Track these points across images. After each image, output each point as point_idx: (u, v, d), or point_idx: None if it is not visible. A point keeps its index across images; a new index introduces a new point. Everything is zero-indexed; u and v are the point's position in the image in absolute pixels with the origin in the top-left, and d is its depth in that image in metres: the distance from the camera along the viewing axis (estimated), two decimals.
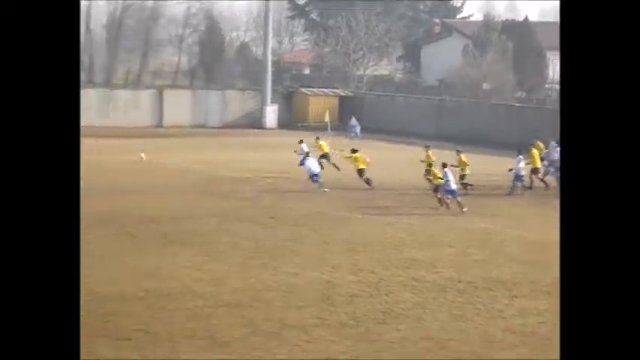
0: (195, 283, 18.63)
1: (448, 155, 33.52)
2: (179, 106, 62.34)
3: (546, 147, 35.63)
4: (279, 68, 70.21)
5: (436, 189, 29.28)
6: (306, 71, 78.18)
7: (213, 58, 70.39)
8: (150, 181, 34.35)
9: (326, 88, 66.23)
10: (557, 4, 60.74)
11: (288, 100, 65.23)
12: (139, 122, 59.61)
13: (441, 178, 28.90)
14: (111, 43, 68.86)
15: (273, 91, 64.00)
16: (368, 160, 33.96)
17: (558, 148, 32.67)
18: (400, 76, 74.96)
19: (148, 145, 48.41)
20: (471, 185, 32.50)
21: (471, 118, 54.94)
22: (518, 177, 32.70)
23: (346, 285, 18.89)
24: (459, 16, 79.96)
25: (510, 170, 32.90)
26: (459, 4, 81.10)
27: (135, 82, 67.07)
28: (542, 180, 33.66)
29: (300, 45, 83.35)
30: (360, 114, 59.46)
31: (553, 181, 33.37)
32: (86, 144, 48.39)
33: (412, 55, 74.59)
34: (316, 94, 64.71)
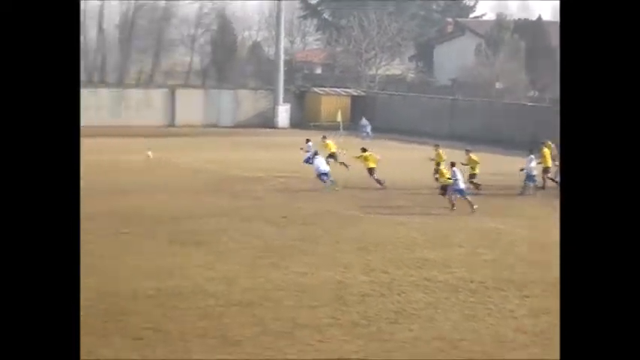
0: (206, 282, 18.65)
1: (460, 155, 33.47)
2: (191, 106, 62.43)
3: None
4: (292, 68, 70.21)
5: (444, 188, 29.21)
6: (318, 71, 78.17)
7: (226, 58, 70.48)
8: (161, 180, 34.41)
9: (338, 87, 66.21)
10: None
11: (300, 100, 65.25)
12: (152, 122, 59.73)
13: (450, 178, 28.83)
14: (123, 43, 69.04)
15: (286, 90, 64.04)
16: (378, 157, 33.95)
17: None
18: (412, 75, 74.87)
19: (161, 144, 48.52)
20: (479, 185, 32.42)
21: (483, 118, 54.82)
22: (529, 177, 32.61)
23: (358, 285, 18.88)
24: (471, 16, 79.81)
25: (522, 170, 32.82)
26: (471, 4, 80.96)
27: (147, 82, 67.20)
28: (553, 180, 33.57)
29: (312, 44, 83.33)
30: (372, 114, 59.42)
31: None
32: (98, 143, 48.68)
33: (424, 55, 74.50)
34: (328, 94, 64.71)
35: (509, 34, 63.35)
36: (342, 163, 36.07)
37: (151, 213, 26.85)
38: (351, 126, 55.92)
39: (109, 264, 20.13)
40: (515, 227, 26.11)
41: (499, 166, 38.16)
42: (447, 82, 66.89)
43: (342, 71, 70.75)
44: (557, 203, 29.98)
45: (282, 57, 64.17)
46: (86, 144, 48.63)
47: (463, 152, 33.88)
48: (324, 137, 39.12)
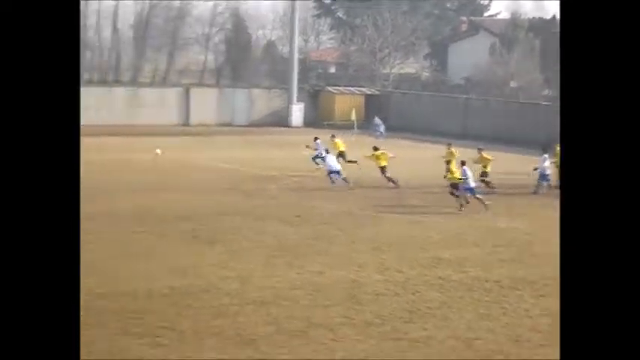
0: (221, 281, 18.68)
1: (473, 154, 33.48)
2: (206, 105, 62.53)
3: None
4: (306, 67, 70.19)
5: (454, 186, 29.16)
6: (332, 70, 78.13)
7: (240, 57, 70.50)
8: (176, 179, 34.49)
9: (352, 86, 66.18)
10: None
11: (314, 99, 65.24)
12: (166, 121, 59.86)
13: (461, 178, 28.78)
14: (138, 42, 69.16)
15: (300, 89, 64.05)
16: (391, 155, 33.95)
17: None
18: (427, 74, 74.74)
19: (175, 143, 48.61)
20: (492, 184, 32.38)
21: (497, 117, 54.69)
22: (543, 176, 32.54)
23: (372, 284, 18.87)
24: (485, 14, 79.59)
25: (535, 169, 32.73)
26: (486, 2, 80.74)
27: (162, 81, 67.32)
28: None
29: (326, 43, 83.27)
30: (386, 112, 59.38)
31: None
32: (113, 142, 48.77)
33: (438, 54, 74.35)
34: (342, 93, 64.68)
35: (523, 32, 63.16)
36: (351, 161, 35.95)
37: (165, 212, 26.90)
38: (365, 125, 55.90)
39: (122, 263, 20.17)
40: (529, 226, 26.04)
41: (513, 165, 38.07)
42: (461, 81, 66.75)
43: (356, 70, 70.69)
44: None
45: (297, 56, 64.19)
46: (100, 143, 48.95)
47: (476, 151, 33.82)
48: (333, 136, 39.14)
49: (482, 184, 31.64)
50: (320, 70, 75.30)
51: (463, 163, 29.50)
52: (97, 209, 26.89)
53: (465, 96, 60.31)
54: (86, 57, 67.48)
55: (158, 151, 39.58)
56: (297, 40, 65.68)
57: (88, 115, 57.83)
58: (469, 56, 66.73)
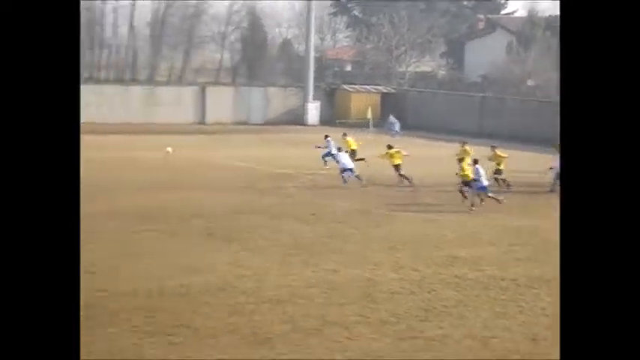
0: (236, 279, 18.69)
1: (488, 152, 33.41)
2: (222, 103, 62.63)
3: None
4: (322, 65, 70.18)
5: (465, 184, 29.13)
6: (348, 68, 78.09)
7: (256, 55, 70.56)
8: (192, 177, 34.55)
9: (368, 84, 66.13)
10: None
11: (330, 97, 65.23)
12: (182, 119, 59.99)
13: (474, 178, 28.75)
14: (154, 40, 69.33)
15: (316, 87, 64.05)
16: (405, 153, 33.93)
17: None
18: (443, 72, 74.60)
19: (191, 141, 48.71)
20: (508, 182, 32.35)
21: (514, 115, 54.52)
22: (559, 174, 32.42)
23: (387, 282, 18.83)
24: (503, 12, 79.36)
25: (550, 168, 32.62)
26: (503, 1, 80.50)
27: (178, 79, 67.45)
28: None
29: (342, 42, 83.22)
30: (402, 111, 59.30)
31: None
32: (129, 141, 48.89)
33: (455, 52, 74.19)
34: (358, 91, 64.65)
35: (540, 31, 62.94)
36: (359, 159, 35.84)
37: (180, 210, 26.95)
38: (381, 123, 55.85)
39: (139, 261, 20.21)
40: (545, 224, 25.92)
41: (529, 163, 37.93)
42: (478, 79, 66.59)
43: (372, 68, 70.64)
44: None
45: (312, 54, 64.20)
46: (116, 141, 49.09)
47: (498, 150, 33.76)
48: (345, 134, 39.13)
49: (495, 182, 31.60)
50: (336, 69, 75.28)
51: (475, 162, 29.45)
52: (112, 207, 26.97)
53: (481, 94, 60.15)
54: (103, 55, 67.75)
55: (169, 149, 39.64)
56: (314, 39, 65.69)
57: (103, 113, 58.16)
58: (486, 54, 66.56)
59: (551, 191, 32.21)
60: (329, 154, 37.08)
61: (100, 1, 68.14)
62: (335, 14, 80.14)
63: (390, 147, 34.41)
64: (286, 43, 75.82)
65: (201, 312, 16.27)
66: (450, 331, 15.53)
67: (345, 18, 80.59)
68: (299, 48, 72.60)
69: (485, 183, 28.83)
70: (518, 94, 58.01)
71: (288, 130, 56.80)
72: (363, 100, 62.11)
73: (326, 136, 38.28)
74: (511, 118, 54.25)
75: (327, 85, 66.77)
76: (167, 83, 65.75)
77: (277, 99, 64.45)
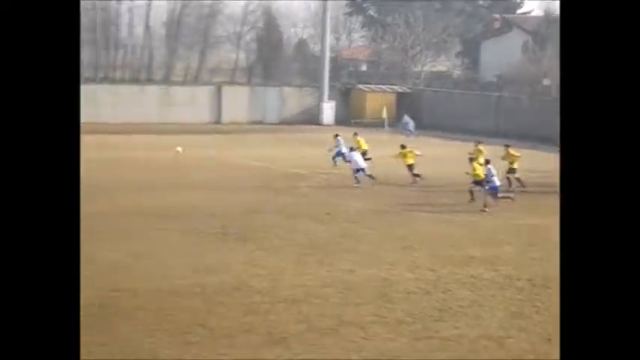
0: (252, 279, 18.70)
1: (503, 152, 33.42)
2: (237, 103, 62.72)
3: None
4: (337, 65, 70.18)
5: (477, 183, 29.14)
6: (364, 68, 78.05)
7: (271, 55, 70.62)
8: (208, 177, 34.60)
9: (383, 84, 66.06)
10: None
11: (345, 97, 65.22)
12: (198, 119, 60.10)
13: (485, 179, 28.75)
14: (170, 40, 69.49)
15: (331, 87, 64.04)
16: (418, 153, 33.93)
17: None
18: (458, 72, 74.45)
19: (207, 141, 48.78)
20: (518, 180, 32.37)
21: (530, 115, 54.34)
22: None
23: (403, 282, 18.80)
24: (518, 12, 79.13)
25: None
26: (519, 0, 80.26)
27: (193, 79, 67.58)
28: None
29: (357, 41, 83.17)
30: (418, 110, 59.21)
31: None
32: (145, 140, 48.98)
33: (471, 51, 74.02)
34: (373, 91, 64.60)
35: (556, 30, 62.65)
36: (367, 158, 35.79)
37: (196, 209, 26.99)
38: (396, 123, 55.80)
39: (154, 260, 20.25)
40: None
41: (545, 163, 37.78)
42: (493, 79, 66.42)
43: (387, 68, 70.57)
44: None
45: (328, 54, 64.20)
46: (132, 141, 49.16)
47: (511, 150, 33.70)
48: (356, 134, 39.10)
49: (508, 182, 31.67)
50: (351, 68, 75.25)
51: (487, 162, 29.44)
52: (127, 206, 27.04)
53: (496, 94, 59.99)
54: (119, 55, 67.95)
55: (179, 148, 39.70)
56: (329, 38, 65.69)
57: (118, 113, 58.33)
58: (502, 54, 66.38)
59: None
60: (339, 153, 37.05)
61: (115, 2, 68.36)
62: (350, 14, 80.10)
63: (403, 147, 34.39)
64: (302, 43, 75.85)
65: (217, 311, 16.29)
66: (465, 331, 15.50)
67: (360, 18, 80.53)
68: (314, 48, 72.60)
69: (498, 183, 28.78)
70: (534, 93, 57.82)
71: (303, 129, 56.81)
72: (378, 100, 62.07)
73: (336, 135, 38.27)
74: (527, 118, 54.07)
75: (342, 84, 66.75)
76: (183, 83, 65.89)
77: (293, 99, 64.49)
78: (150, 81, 65.87)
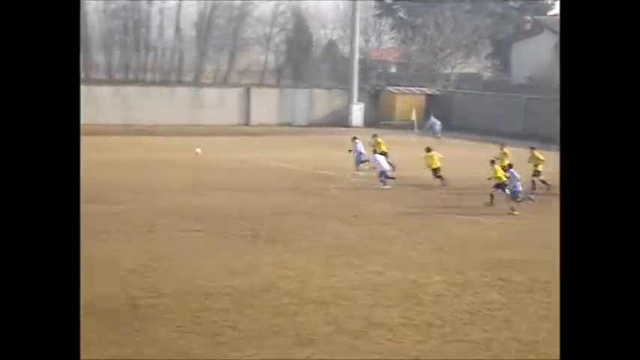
0: (280, 280, 18.73)
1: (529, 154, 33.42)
2: (266, 105, 62.88)
3: None
4: (366, 66, 70.16)
5: (498, 186, 29.12)
6: (393, 69, 77.98)
7: (301, 57, 70.74)
8: (237, 178, 34.72)
9: (413, 86, 65.96)
10: None
11: (374, 99, 65.20)
12: (227, 121, 60.31)
13: (504, 182, 28.75)
14: (200, 42, 69.79)
15: (360, 89, 64.04)
16: (441, 156, 33.92)
17: None
18: (488, 74, 74.16)
19: (235, 143, 48.95)
20: (544, 182, 32.35)
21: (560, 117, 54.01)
22: None
23: (432, 285, 18.76)
24: (549, 13, 78.70)
25: None
26: (550, 2, 79.83)
27: (222, 81, 67.82)
28: None
29: (387, 43, 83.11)
30: (448, 112, 59.08)
31: None
32: (175, 142, 49.19)
33: (501, 53, 73.72)
34: (403, 93, 64.51)
35: None
36: (390, 164, 35.76)
37: (225, 211, 27.08)
38: (426, 125, 55.68)
39: (184, 261, 20.34)
40: None
41: None
42: (524, 81, 66.11)
43: (416, 70, 70.46)
44: None
45: (357, 56, 64.21)
46: (161, 143, 49.39)
47: (536, 152, 33.58)
48: (375, 135, 38.99)
49: (532, 184, 31.71)
50: (380, 70, 75.21)
51: (510, 166, 29.49)
52: (157, 207, 27.17)
53: (526, 96, 59.70)
54: (149, 57, 68.34)
55: (198, 150, 39.81)
56: (358, 40, 65.70)
57: (148, 115, 58.64)
58: (532, 56, 66.06)
59: None
60: (359, 156, 36.97)
61: (146, 4, 68.75)
62: (380, 16, 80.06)
63: (428, 150, 34.33)
64: (331, 45, 75.91)
65: (246, 313, 16.33)
66: (495, 335, 15.44)
67: (389, 20, 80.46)
68: (344, 49, 72.64)
69: (520, 187, 28.76)
70: None
71: (332, 131, 56.83)
72: (407, 102, 61.99)
73: (354, 138, 38.19)
74: (557, 120, 53.68)
75: (371, 86, 66.72)
76: (212, 85, 66.15)
77: (322, 100, 64.54)
78: (180, 83, 66.21)
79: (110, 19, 69.05)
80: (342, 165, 38.24)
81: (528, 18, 74.16)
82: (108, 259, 20.12)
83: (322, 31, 76.85)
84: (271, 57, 72.66)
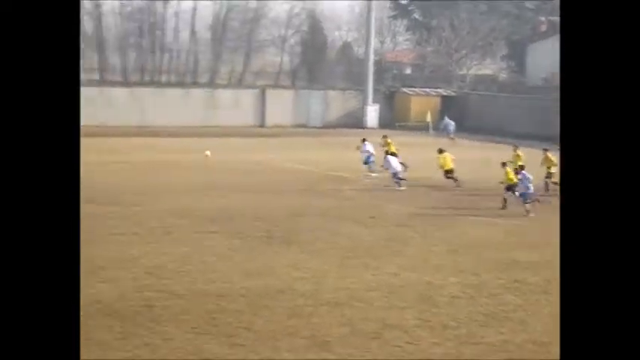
0: (295, 282, 18.74)
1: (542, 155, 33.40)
2: (281, 106, 62.94)
3: None
4: (381, 68, 70.14)
5: (509, 188, 29.08)
6: (408, 71, 77.92)
7: (316, 58, 70.81)
8: (252, 180, 34.76)
9: (428, 87, 65.89)
10: None
11: (389, 100, 65.16)
12: (242, 122, 60.39)
13: (516, 182, 28.73)
14: (215, 44, 69.95)
15: (375, 90, 64.02)
16: (453, 157, 33.90)
17: None
18: (504, 75, 74.00)
19: (250, 144, 49.02)
20: (556, 184, 32.28)
21: None
22: None
23: (447, 286, 18.73)
24: None
25: None
26: None
27: (237, 83, 67.94)
28: None
29: (402, 45, 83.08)
30: (463, 114, 58.98)
31: None
32: (191, 143, 49.30)
33: (517, 54, 73.55)
34: (418, 94, 64.45)
35: None
36: (402, 164, 35.69)
37: (241, 212, 27.11)
38: (440, 126, 55.63)
39: (200, 262, 20.38)
40: None
41: None
42: (540, 82, 65.92)
43: (432, 71, 70.39)
44: None
45: (372, 57, 64.19)
46: (177, 144, 49.51)
47: (549, 154, 33.52)
48: (385, 136, 38.96)
49: (545, 186, 31.70)
50: (395, 72, 75.18)
51: (522, 168, 29.41)
52: (172, 208, 27.23)
53: (541, 97, 59.54)
54: (164, 59, 68.55)
55: (207, 152, 39.88)
56: (373, 42, 65.67)
57: (163, 116, 58.79)
58: (548, 57, 65.81)
59: None
60: (369, 156, 36.94)
61: (161, 5, 68.94)
62: (395, 17, 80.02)
63: (441, 151, 34.29)
64: (346, 46, 75.94)
65: (261, 314, 16.35)
66: (510, 337, 15.40)
67: (405, 21, 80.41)
68: (359, 51, 72.65)
69: (531, 190, 28.70)
70: None
71: (347, 133, 56.82)
72: (422, 103, 61.94)
73: (363, 140, 38.14)
74: None
75: (386, 88, 66.69)
76: (227, 86, 66.28)
77: (337, 102, 64.56)
78: (195, 84, 66.37)
79: (126, 22, 69.37)
80: (357, 166, 38.22)
81: (543, 19, 73.96)
82: (124, 260, 20.18)
83: (337, 33, 76.91)
84: (286, 58, 72.75)
